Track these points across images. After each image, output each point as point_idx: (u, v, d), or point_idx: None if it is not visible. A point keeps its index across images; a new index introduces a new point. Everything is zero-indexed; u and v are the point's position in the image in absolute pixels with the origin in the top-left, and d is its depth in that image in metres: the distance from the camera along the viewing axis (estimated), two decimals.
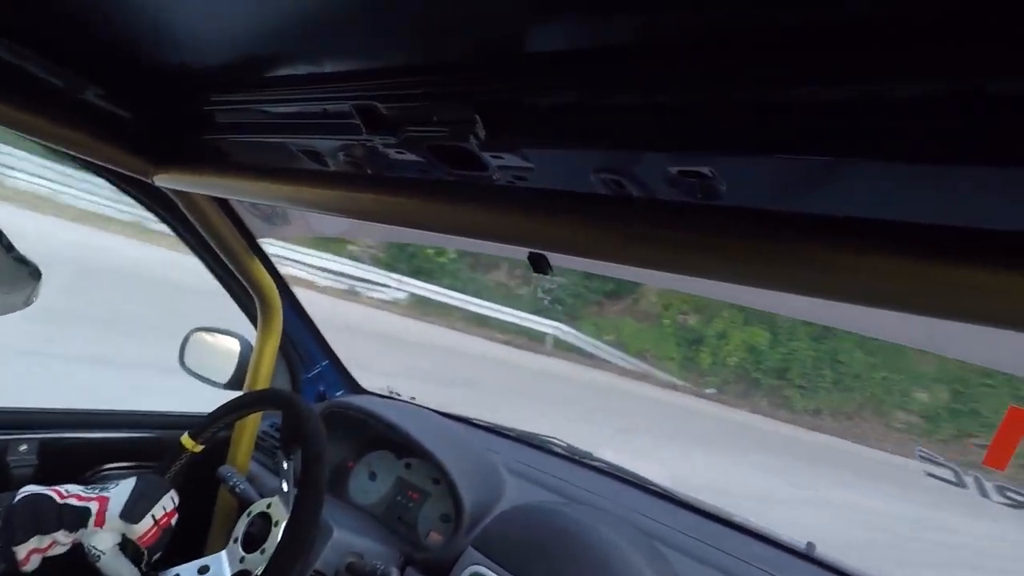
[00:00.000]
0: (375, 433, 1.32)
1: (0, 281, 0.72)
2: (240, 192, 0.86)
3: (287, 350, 1.54)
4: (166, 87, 0.77)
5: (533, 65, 0.44)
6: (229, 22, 0.53)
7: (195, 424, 1.05)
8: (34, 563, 0.81)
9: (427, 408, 1.48)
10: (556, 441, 1.49)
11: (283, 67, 0.61)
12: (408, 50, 0.50)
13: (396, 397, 1.68)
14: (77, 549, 0.86)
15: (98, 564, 0.86)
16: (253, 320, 1.38)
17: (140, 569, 0.89)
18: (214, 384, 1.42)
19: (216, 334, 1.46)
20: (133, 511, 0.88)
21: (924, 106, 0.30)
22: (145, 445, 1.34)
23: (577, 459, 1.39)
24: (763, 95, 0.35)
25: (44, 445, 1.18)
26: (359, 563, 1.04)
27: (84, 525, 0.85)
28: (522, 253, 0.67)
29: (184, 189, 0.99)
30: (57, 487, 0.86)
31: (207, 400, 1.23)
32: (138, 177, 0.93)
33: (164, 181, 0.92)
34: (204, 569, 0.90)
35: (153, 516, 0.89)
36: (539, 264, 0.70)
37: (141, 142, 0.90)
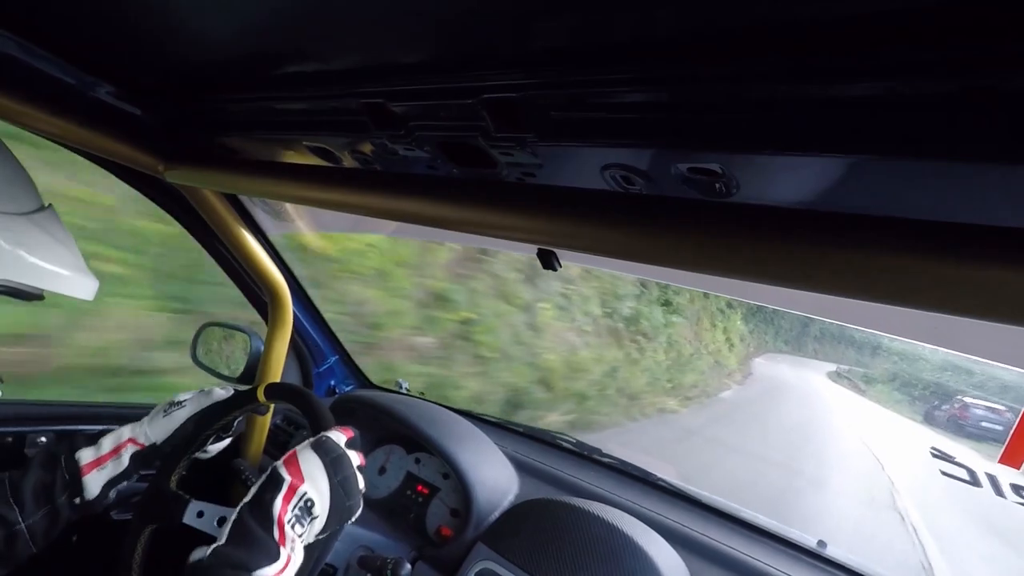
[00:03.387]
0: (385, 428, 1.33)
1: (72, 268, 0.81)
2: (250, 188, 0.86)
3: (297, 345, 1.55)
4: (177, 85, 0.77)
5: (542, 62, 0.44)
6: (239, 20, 0.54)
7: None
8: (95, 482, 0.83)
9: (437, 403, 1.48)
10: (565, 437, 1.49)
11: (293, 65, 0.61)
12: (417, 48, 0.49)
13: (406, 392, 1.69)
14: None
15: (183, 406, 0.93)
16: (264, 315, 1.40)
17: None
18: (225, 378, 1.44)
19: (227, 329, 1.47)
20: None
21: (936, 103, 0.30)
22: None
23: (586, 455, 1.39)
24: (773, 92, 0.35)
25: (61, 438, 1.20)
26: (370, 556, 1.05)
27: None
28: (531, 248, 0.67)
29: (195, 185, 1.00)
30: None
31: None
32: (149, 173, 0.94)
33: (175, 177, 0.93)
34: (222, 520, 0.89)
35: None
36: (548, 260, 0.69)
37: (152, 139, 0.91)
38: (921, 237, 0.34)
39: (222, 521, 0.90)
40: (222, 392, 0.98)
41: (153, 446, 0.91)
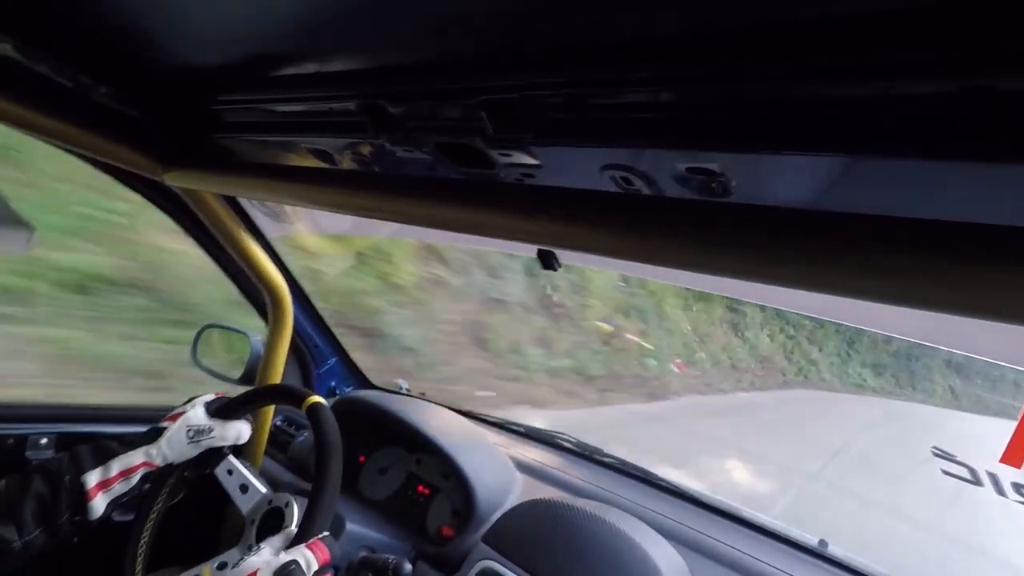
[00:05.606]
0: (386, 428, 1.33)
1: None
2: (249, 190, 0.86)
3: (298, 346, 1.55)
4: (175, 87, 0.77)
5: (540, 62, 0.44)
6: (237, 22, 0.54)
7: None
8: (101, 503, 0.82)
9: (437, 404, 1.48)
10: (566, 437, 1.49)
11: (290, 66, 0.61)
12: (414, 49, 0.49)
13: (407, 393, 1.69)
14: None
15: (212, 435, 0.93)
16: (264, 317, 1.40)
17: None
18: (226, 380, 1.44)
19: (228, 331, 1.47)
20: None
21: (935, 103, 0.30)
22: None
23: (587, 455, 1.39)
24: (772, 92, 0.35)
25: (62, 439, 1.21)
26: (371, 557, 1.05)
27: (159, 435, 0.89)
28: (531, 249, 0.67)
29: (194, 188, 1.00)
30: None
31: None
32: (148, 176, 0.94)
33: (174, 180, 0.93)
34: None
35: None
36: (548, 261, 0.69)
37: (151, 142, 0.91)
38: (921, 237, 0.34)
39: (244, 489, 0.95)
40: (247, 430, 0.98)
41: (169, 466, 0.91)
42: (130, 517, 0.99)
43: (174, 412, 0.94)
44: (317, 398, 0.92)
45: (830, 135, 0.34)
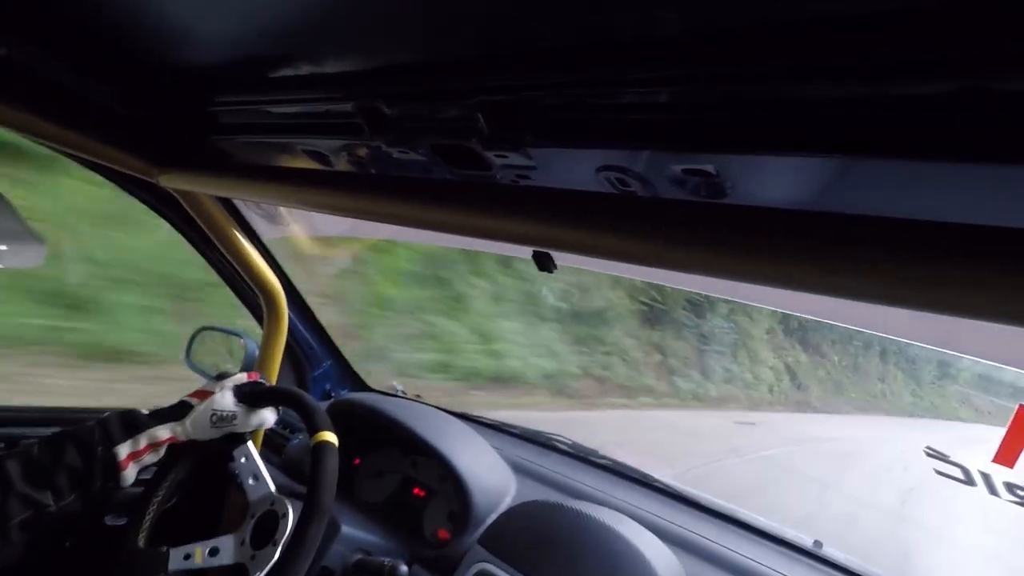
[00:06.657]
0: (382, 431, 1.32)
1: (11, 238, 0.76)
2: (244, 192, 0.86)
3: (293, 348, 1.55)
4: (170, 88, 0.77)
5: (536, 63, 0.44)
6: (232, 23, 0.53)
7: None
8: (132, 472, 0.85)
9: (433, 406, 1.48)
10: (561, 439, 1.48)
11: (286, 68, 0.61)
12: (410, 50, 0.49)
13: (402, 395, 1.68)
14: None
15: (234, 423, 0.93)
16: (259, 319, 1.39)
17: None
18: None
19: (223, 332, 1.46)
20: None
21: (932, 104, 0.30)
22: None
23: (582, 457, 1.39)
24: (771, 92, 0.35)
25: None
26: (367, 559, 1.05)
27: (186, 414, 0.91)
28: (527, 251, 0.67)
29: (189, 189, 0.99)
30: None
31: None
32: (143, 178, 0.93)
33: (169, 181, 0.93)
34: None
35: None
36: (544, 263, 0.69)
37: (146, 143, 0.90)
38: (920, 238, 0.34)
39: (255, 478, 0.94)
40: (272, 417, 0.99)
41: (192, 441, 0.93)
42: (123, 521, 0.98)
43: (203, 388, 0.95)
44: (330, 437, 0.89)
45: (829, 135, 0.34)
